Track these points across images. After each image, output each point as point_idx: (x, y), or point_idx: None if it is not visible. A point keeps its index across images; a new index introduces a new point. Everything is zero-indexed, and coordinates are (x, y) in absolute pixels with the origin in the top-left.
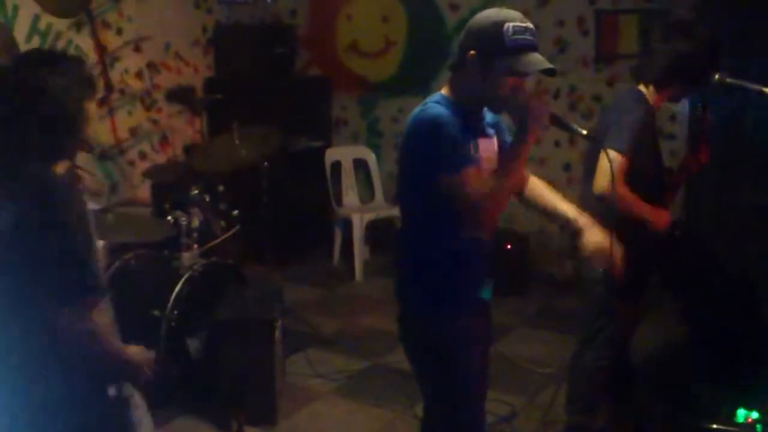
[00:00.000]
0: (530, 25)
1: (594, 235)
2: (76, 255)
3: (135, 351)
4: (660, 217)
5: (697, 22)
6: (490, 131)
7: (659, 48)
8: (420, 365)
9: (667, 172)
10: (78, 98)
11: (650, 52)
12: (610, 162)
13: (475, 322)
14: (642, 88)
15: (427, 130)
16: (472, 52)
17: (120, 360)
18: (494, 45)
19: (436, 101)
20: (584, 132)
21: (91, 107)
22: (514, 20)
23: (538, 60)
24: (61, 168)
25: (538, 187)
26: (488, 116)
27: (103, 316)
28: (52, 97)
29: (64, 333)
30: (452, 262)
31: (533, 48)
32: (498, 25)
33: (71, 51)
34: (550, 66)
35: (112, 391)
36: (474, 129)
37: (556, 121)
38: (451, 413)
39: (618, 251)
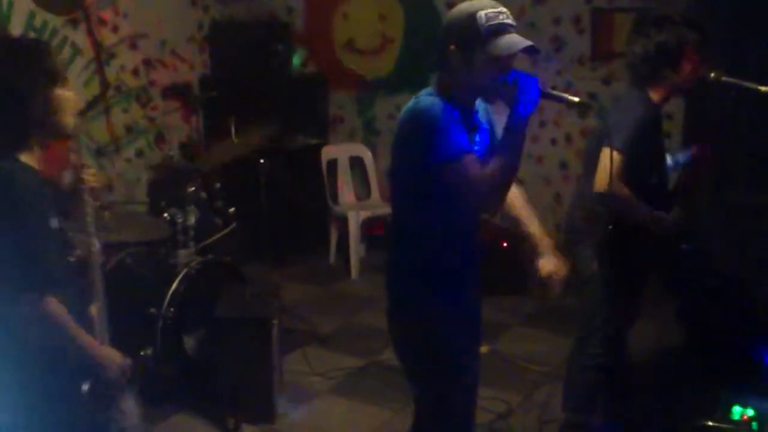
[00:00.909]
0: (503, 9)
1: (550, 262)
2: (29, 247)
3: (108, 351)
4: (661, 223)
5: (654, 19)
6: (483, 125)
7: (637, 48)
8: (410, 360)
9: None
10: (37, 87)
11: (631, 55)
12: (611, 161)
13: (464, 316)
14: (642, 89)
15: (424, 120)
16: (452, 46)
17: (86, 351)
18: (471, 35)
19: (429, 94)
20: (576, 99)
21: (62, 94)
22: (485, 8)
23: (516, 40)
24: (26, 158)
25: (515, 196)
26: (480, 111)
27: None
28: (4, 88)
29: (23, 321)
30: (444, 256)
31: (510, 30)
32: (471, 15)
33: (66, 48)
34: (529, 43)
35: (85, 386)
36: (467, 123)
37: (547, 95)
38: (441, 408)
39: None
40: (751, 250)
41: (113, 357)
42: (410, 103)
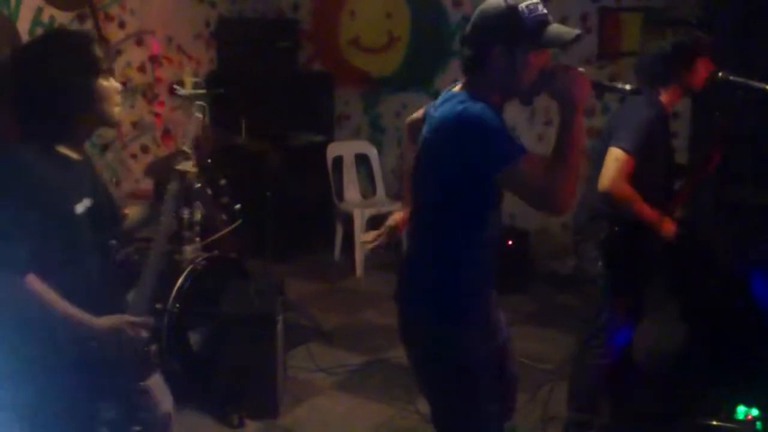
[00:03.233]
0: (539, 0)
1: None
2: (5, 228)
3: (103, 320)
4: (664, 226)
5: (669, 20)
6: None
7: (651, 48)
8: (437, 378)
9: (677, 171)
10: (78, 77)
11: (643, 54)
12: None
13: (489, 329)
14: (651, 89)
15: (480, 128)
16: (497, 46)
17: (76, 323)
18: (516, 31)
19: (466, 98)
20: (629, 87)
21: (106, 85)
22: (523, 0)
23: (565, 30)
24: (66, 149)
25: None
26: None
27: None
28: (46, 80)
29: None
30: (476, 270)
31: (551, 20)
32: (513, 11)
33: None
34: (578, 32)
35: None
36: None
37: (600, 86)
38: (470, 422)
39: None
40: (756, 250)
41: (111, 322)
42: (455, 108)
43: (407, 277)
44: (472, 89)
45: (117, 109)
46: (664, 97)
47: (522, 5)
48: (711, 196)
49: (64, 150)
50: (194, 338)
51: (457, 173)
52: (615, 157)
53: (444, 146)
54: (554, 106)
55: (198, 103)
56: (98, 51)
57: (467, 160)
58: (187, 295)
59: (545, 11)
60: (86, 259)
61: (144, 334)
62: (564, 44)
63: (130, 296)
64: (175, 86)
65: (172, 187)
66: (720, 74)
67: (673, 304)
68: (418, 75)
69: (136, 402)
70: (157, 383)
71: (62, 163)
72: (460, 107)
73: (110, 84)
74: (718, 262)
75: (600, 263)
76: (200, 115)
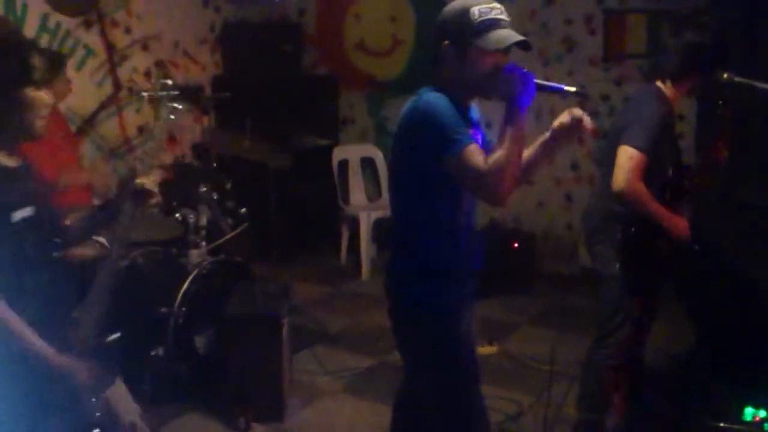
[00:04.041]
0: (497, 5)
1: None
2: None
3: (63, 360)
4: (678, 226)
5: (702, 12)
6: (477, 123)
7: (671, 42)
8: (416, 357)
9: (685, 170)
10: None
11: (663, 49)
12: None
13: (463, 313)
14: (659, 84)
15: (431, 113)
16: (446, 42)
17: (40, 360)
18: (464, 30)
19: (429, 91)
20: (573, 89)
21: (32, 95)
22: (479, 3)
23: (508, 35)
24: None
25: None
26: (473, 114)
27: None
28: None
29: None
30: (445, 252)
31: (503, 25)
32: (465, 11)
33: (79, 49)
34: (521, 38)
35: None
36: (464, 120)
37: (542, 86)
38: (450, 404)
39: None
40: (763, 250)
41: (69, 366)
42: (411, 100)
43: (388, 267)
44: (434, 85)
45: (41, 123)
46: (670, 93)
47: (475, 7)
48: (718, 197)
49: None
50: (200, 341)
51: (413, 158)
52: (629, 155)
53: (403, 135)
54: (558, 107)
55: (170, 104)
56: (35, 60)
57: (418, 143)
58: (193, 298)
59: (500, 16)
60: (28, 270)
61: (91, 386)
62: (502, 49)
63: (78, 313)
64: (143, 90)
65: (126, 208)
66: (725, 76)
67: (680, 305)
68: (423, 78)
69: (89, 418)
70: (117, 394)
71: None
72: (413, 99)
73: (39, 96)
74: (725, 263)
75: (617, 264)
76: (172, 117)
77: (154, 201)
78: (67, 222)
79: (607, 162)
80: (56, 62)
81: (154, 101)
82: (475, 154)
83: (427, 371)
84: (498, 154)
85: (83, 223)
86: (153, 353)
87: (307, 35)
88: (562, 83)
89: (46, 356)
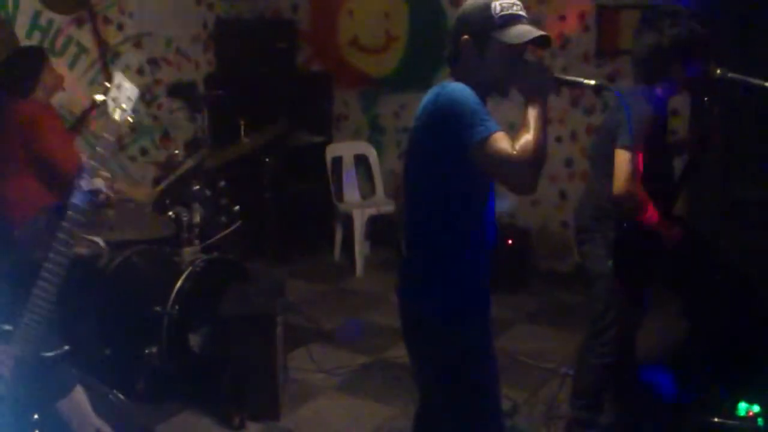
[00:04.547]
0: (517, 1)
1: None
2: None
3: None
4: (670, 233)
5: (666, 13)
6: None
7: (649, 41)
8: (437, 368)
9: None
10: None
11: (641, 48)
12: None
13: (487, 316)
14: (647, 84)
15: (454, 102)
16: (465, 37)
17: None
18: (485, 24)
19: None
20: (592, 82)
21: None
22: None
23: (529, 30)
24: None
25: None
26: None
27: None
28: None
29: None
30: (475, 253)
31: (524, 21)
32: (486, 5)
33: (71, 47)
34: (542, 33)
35: None
36: None
37: (563, 81)
38: (474, 419)
39: None
40: (759, 246)
41: None
42: (433, 90)
43: (405, 269)
44: (453, 79)
45: None
46: (661, 92)
47: (497, 2)
48: (715, 193)
49: None
50: (195, 340)
51: (438, 152)
52: (625, 159)
53: (425, 129)
54: (553, 105)
55: (122, 107)
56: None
57: (443, 134)
58: (186, 296)
59: (520, 12)
60: None
61: (6, 369)
62: (523, 43)
63: (9, 326)
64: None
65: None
66: (719, 71)
67: (673, 301)
68: (416, 75)
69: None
70: (70, 406)
71: None
72: (438, 88)
73: None
74: (720, 259)
75: (610, 262)
76: (127, 118)
77: (102, 197)
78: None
79: (597, 159)
80: (36, 57)
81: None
82: (503, 139)
83: (453, 386)
84: (525, 138)
85: (34, 227)
86: (147, 352)
87: (301, 32)
88: (579, 78)
89: None
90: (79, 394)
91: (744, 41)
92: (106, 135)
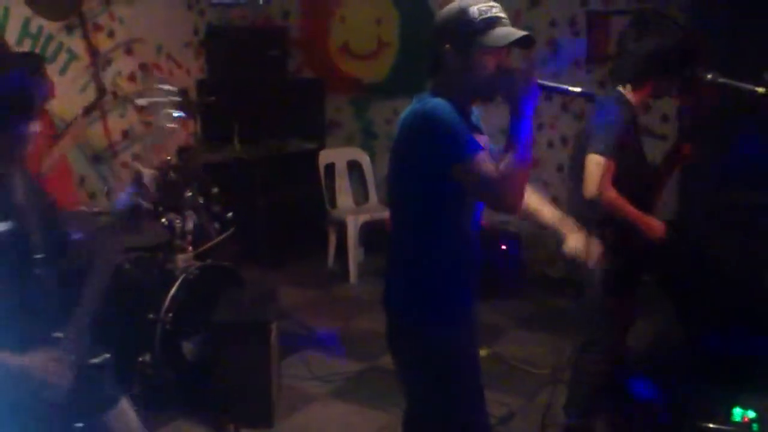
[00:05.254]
0: (494, 3)
1: (574, 240)
2: None
3: (23, 357)
4: (652, 227)
5: (666, 17)
6: (479, 129)
7: (632, 47)
8: (421, 376)
9: (654, 169)
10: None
11: (624, 53)
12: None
13: (470, 322)
14: (621, 89)
15: (437, 120)
16: (447, 45)
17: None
18: (464, 30)
19: (431, 97)
20: (578, 89)
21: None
22: (477, 2)
23: (511, 31)
24: None
25: (530, 192)
26: (474, 119)
27: None
28: None
29: None
30: (453, 266)
31: (504, 23)
32: (463, 11)
33: (62, 54)
34: (525, 33)
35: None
36: (468, 125)
37: (546, 87)
38: (459, 424)
39: (597, 249)
40: (752, 250)
41: (29, 362)
42: (414, 106)
43: (389, 280)
44: (434, 91)
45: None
46: (634, 97)
47: (474, 7)
48: (705, 197)
49: None
50: (188, 347)
51: (418, 168)
52: (596, 162)
53: (405, 144)
54: (544, 110)
55: (168, 112)
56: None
57: (424, 153)
58: (180, 304)
59: (499, 14)
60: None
61: (66, 378)
62: (507, 46)
63: (59, 334)
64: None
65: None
66: (709, 76)
67: (667, 306)
68: (408, 80)
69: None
70: (118, 419)
71: None
72: (418, 105)
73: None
74: (712, 264)
75: (598, 270)
76: (173, 125)
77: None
78: (76, 235)
79: (575, 168)
80: (31, 63)
81: (149, 107)
82: (485, 161)
83: (437, 393)
84: (508, 160)
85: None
86: (140, 359)
87: (292, 39)
88: (564, 84)
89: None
90: (127, 405)
91: (733, 44)
92: (150, 139)
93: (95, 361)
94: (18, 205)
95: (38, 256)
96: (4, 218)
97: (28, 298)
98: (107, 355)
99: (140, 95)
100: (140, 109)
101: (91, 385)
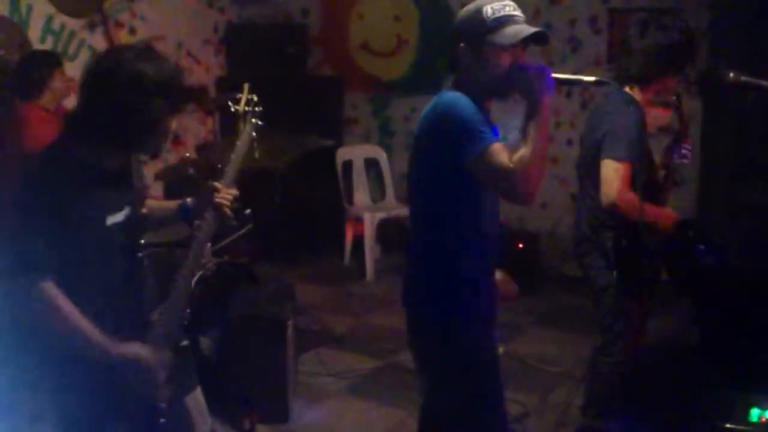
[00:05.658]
0: (509, 2)
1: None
2: (22, 231)
3: (126, 348)
4: (666, 217)
5: (670, 14)
6: (495, 126)
7: (638, 46)
8: (440, 373)
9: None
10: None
11: (630, 52)
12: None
13: (490, 318)
14: (628, 89)
15: (455, 113)
16: (462, 44)
17: (90, 341)
18: (478, 28)
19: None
20: (592, 79)
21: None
22: (491, 2)
23: (522, 28)
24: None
25: None
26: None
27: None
28: (136, 102)
29: (19, 304)
30: (473, 263)
31: (517, 21)
32: (477, 11)
33: (84, 51)
34: (536, 30)
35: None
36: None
37: (561, 81)
38: (479, 422)
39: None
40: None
41: (130, 353)
42: (432, 103)
43: (409, 276)
44: (453, 89)
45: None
46: (639, 96)
47: (488, 6)
48: (723, 196)
49: (110, 160)
50: (205, 343)
51: (437, 162)
52: (614, 168)
53: (424, 138)
54: (564, 108)
55: (253, 120)
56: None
57: (441, 145)
58: (197, 300)
59: (513, 12)
60: (109, 269)
61: (161, 372)
62: (516, 42)
63: (155, 316)
64: (229, 103)
65: (207, 223)
66: (732, 75)
67: (684, 306)
68: (427, 78)
69: (159, 425)
70: (194, 402)
71: (105, 172)
72: (436, 99)
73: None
74: (730, 263)
75: (614, 272)
76: (254, 133)
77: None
78: (144, 210)
79: (585, 170)
80: (48, 62)
81: (239, 116)
82: (500, 152)
83: (456, 391)
84: (523, 151)
85: (158, 217)
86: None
87: (312, 36)
88: (578, 75)
89: (105, 347)
90: (199, 391)
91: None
92: (239, 144)
93: (184, 343)
94: (136, 191)
95: (141, 241)
96: (121, 208)
97: (133, 282)
98: (186, 342)
99: None
100: None
101: (181, 367)
